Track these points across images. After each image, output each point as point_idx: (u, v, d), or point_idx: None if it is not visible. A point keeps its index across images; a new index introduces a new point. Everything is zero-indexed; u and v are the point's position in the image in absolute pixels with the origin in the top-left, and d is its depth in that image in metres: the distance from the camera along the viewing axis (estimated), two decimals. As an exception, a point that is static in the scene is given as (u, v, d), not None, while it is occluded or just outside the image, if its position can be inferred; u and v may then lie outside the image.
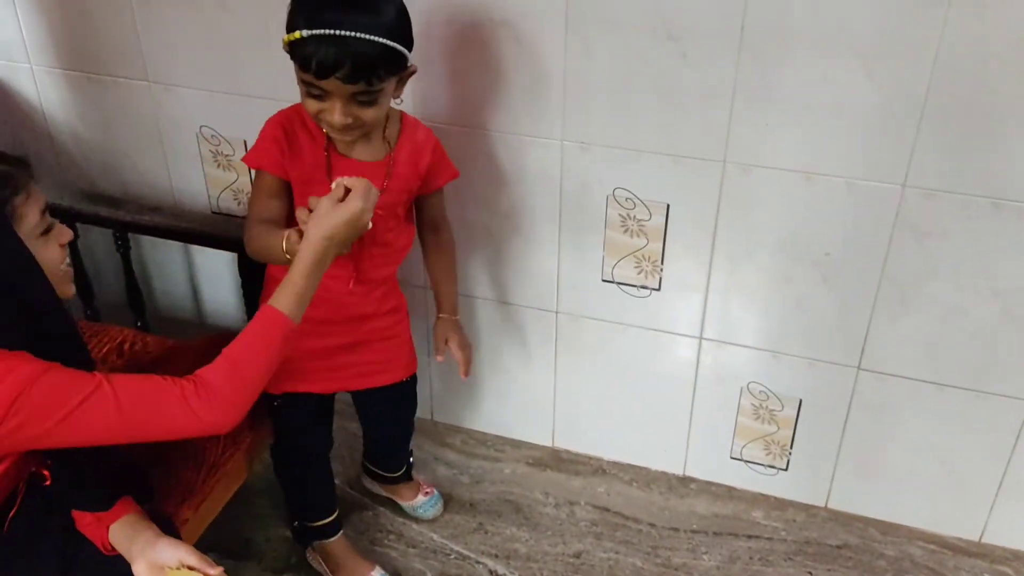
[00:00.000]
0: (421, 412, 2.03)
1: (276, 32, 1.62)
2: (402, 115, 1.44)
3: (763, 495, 1.84)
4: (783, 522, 1.79)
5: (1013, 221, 1.42)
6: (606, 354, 1.81)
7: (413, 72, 1.32)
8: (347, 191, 1.19)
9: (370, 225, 1.21)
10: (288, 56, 1.26)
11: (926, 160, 1.41)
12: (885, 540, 1.75)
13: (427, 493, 1.80)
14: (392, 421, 1.72)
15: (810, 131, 1.45)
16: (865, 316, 1.59)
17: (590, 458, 1.94)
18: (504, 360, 1.89)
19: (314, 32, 1.18)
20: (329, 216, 1.17)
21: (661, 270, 1.67)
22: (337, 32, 1.18)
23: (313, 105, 1.26)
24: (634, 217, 1.63)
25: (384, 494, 1.83)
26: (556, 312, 1.79)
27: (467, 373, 1.60)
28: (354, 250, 1.36)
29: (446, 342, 1.58)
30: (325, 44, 1.18)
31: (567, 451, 1.96)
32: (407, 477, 1.80)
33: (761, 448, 1.81)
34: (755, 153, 1.50)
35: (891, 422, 1.67)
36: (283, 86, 1.66)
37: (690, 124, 1.51)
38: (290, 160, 1.35)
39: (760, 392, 1.74)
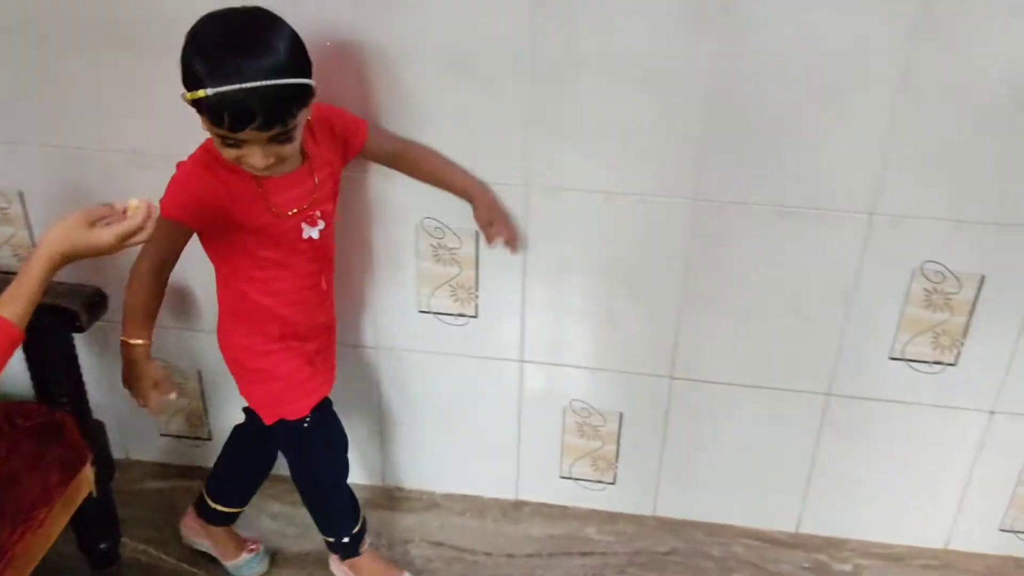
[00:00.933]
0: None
1: (42, 76, 1.53)
2: None
3: (595, 511, 1.87)
4: (615, 535, 1.82)
5: (796, 226, 1.51)
6: (429, 385, 1.79)
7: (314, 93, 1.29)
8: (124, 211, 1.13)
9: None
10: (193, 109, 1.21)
11: (712, 174, 1.49)
12: (711, 541, 1.81)
13: (251, 550, 1.71)
14: None
15: (605, 153, 1.50)
16: (673, 327, 1.64)
17: (422, 493, 1.91)
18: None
19: (219, 89, 1.14)
20: (79, 237, 1.10)
21: (477, 297, 1.67)
22: (243, 85, 1.14)
23: (231, 153, 1.24)
24: (445, 246, 1.63)
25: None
26: (375, 347, 1.76)
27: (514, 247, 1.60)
28: (322, 252, 1.42)
29: (491, 225, 1.54)
30: (233, 98, 1.15)
31: (398, 488, 1.91)
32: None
33: (589, 464, 1.83)
34: (556, 176, 1.53)
35: (707, 426, 1.74)
36: (59, 132, 1.57)
37: (490, 151, 1.52)
38: (232, 203, 1.32)
39: (583, 409, 1.77)
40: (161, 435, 1.93)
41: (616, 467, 1.82)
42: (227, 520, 1.70)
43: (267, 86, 1.16)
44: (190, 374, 1.84)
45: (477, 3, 1.40)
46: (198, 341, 1.78)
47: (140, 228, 1.12)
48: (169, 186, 1.31)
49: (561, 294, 1.65)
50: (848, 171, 1.46)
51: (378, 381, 1.80)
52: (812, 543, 1.81)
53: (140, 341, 1.36)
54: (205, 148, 1.32)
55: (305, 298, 1.45)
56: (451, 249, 1.63)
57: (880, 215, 1.48)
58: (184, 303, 1.73)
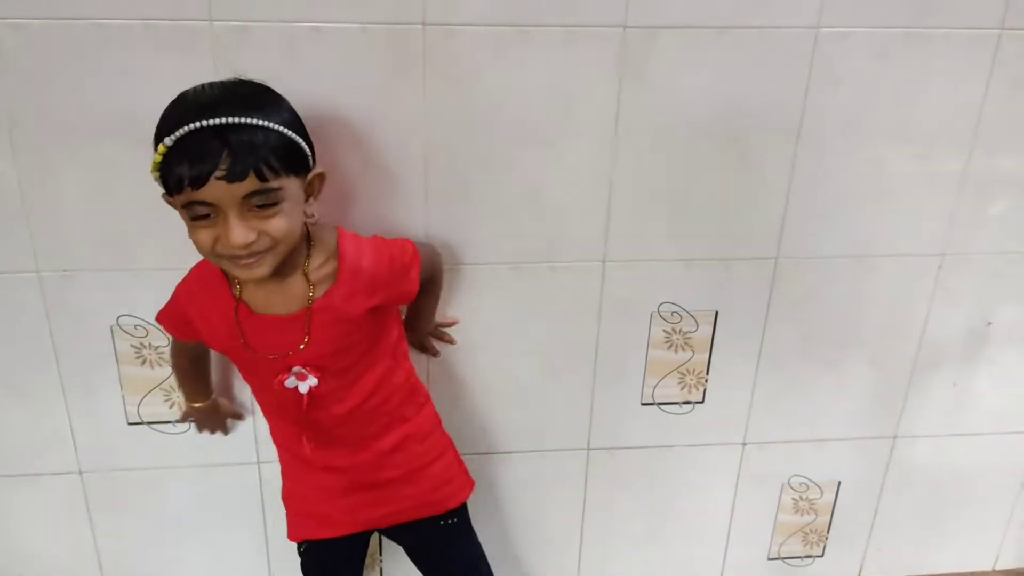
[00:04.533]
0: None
1: None
2: (339, 245, 1.14)
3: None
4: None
5: (533, 281, 1.45)
6: (152, 503, 1.55)
7: (322, 177, 1.09)
8: None
9: None
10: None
11: (440, 233, 1.39)
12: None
13: None
14: (457, 568, 1.37)
15: (324, 217, 1.36)
16: (422, 402, 1.53)
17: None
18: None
19: (177, 134, 0.94)
20: None
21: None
22: (207, 123, 0.94)
23: (206, 236, 1.00)
24: (151, 345, 1.41)
25: None
26: (80, 473, 1.50)
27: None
28: (313, 417, 1.19)
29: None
30: (193, 143, 0.94)
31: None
32: None
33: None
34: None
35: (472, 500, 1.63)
36: None
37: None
38: (202, 325, 1.17)
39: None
40: None
41: (381, 561, 1.67)
42: None
43: (236, 124, 0.95)
44: None
45: (151, 64, 1.23)
46: None
47: None
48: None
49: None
50: (576, 221, 1.42)
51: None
52: (596, 602, 1.74)
53: (200, 404, 1.41)
54: (196, 269, 1.18)
55: (299, 438, 1.24)
56: (157, 348, 1.42)
57: (612, 262, 1.45)
58: None
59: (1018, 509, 1.81)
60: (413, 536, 1.35)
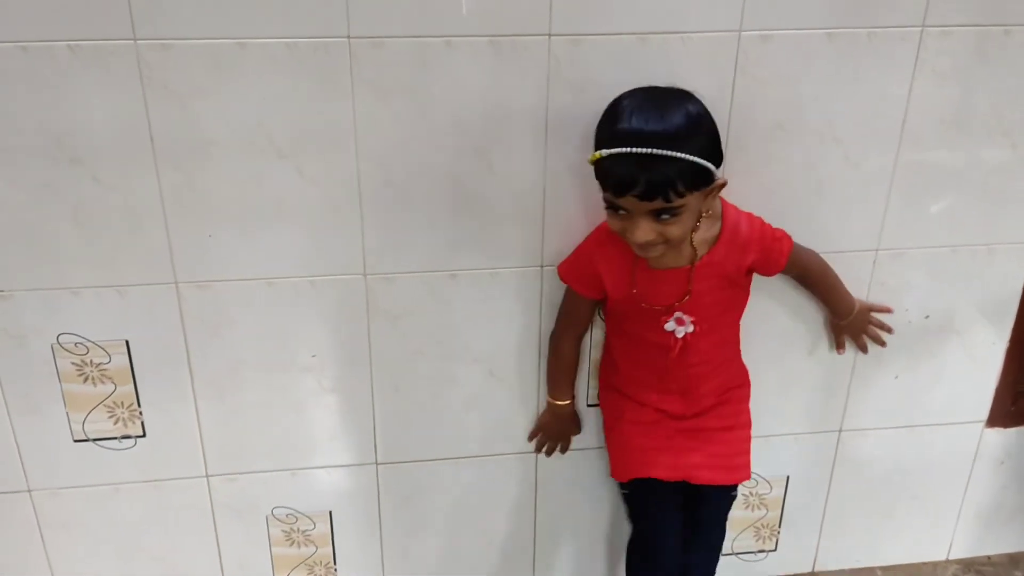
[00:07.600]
0: None
1: None
2: (723, 214, 1.35)
3: (322, 622, 1.71)
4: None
5: (467, 289, 1.46)
6: (103, 520, 1.56)
7: (723, 184, 1.26)
8: None
9: None
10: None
11: (379, 245, 1.41)
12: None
13: None
14: (707, 543, 1.54)
15: (258, 236, 1.37)
16: (368, 410, 1.54)
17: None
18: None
19: (611, 151, 1.17)
20: None
21: (141, 415, 1.48)
22: (631, 151, 1.15)
23: (616, 223, 1.25)
24: (92, 362, 1.42)
25: None
26: (29, 491, 1.51)
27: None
28: (684, 357, 1.38)
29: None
30: (620, 163, 1.17)
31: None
32: None
33: (306, 572, 1.67)
34: (207, 268, 1.38)
35: (421, 508, 1.64)
36: None
37: (125, 250, 1.35)
38: (605, 274, 1.37)
39: (288, 515, 1.61)
40: None
41: (335, 570, 1.67)
42: None
43: (653, 155, 1.14)
44: None
45: (77, 85, 1.24)
46: None
47: None
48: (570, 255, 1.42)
49: (239, 395, 1.49)
50: (509, 227, 1.43)
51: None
52: (551, 605, 1.76)
53: (563, 402, 1.54)
54: (600, 226, 1.37)
55: (648, 383, 1.44)
56: (100, 366, 1.43)
57: (550, 267, 1.47)
58: None
59: (969, 499, 1.83)
60: (710, 497, 1.49)
